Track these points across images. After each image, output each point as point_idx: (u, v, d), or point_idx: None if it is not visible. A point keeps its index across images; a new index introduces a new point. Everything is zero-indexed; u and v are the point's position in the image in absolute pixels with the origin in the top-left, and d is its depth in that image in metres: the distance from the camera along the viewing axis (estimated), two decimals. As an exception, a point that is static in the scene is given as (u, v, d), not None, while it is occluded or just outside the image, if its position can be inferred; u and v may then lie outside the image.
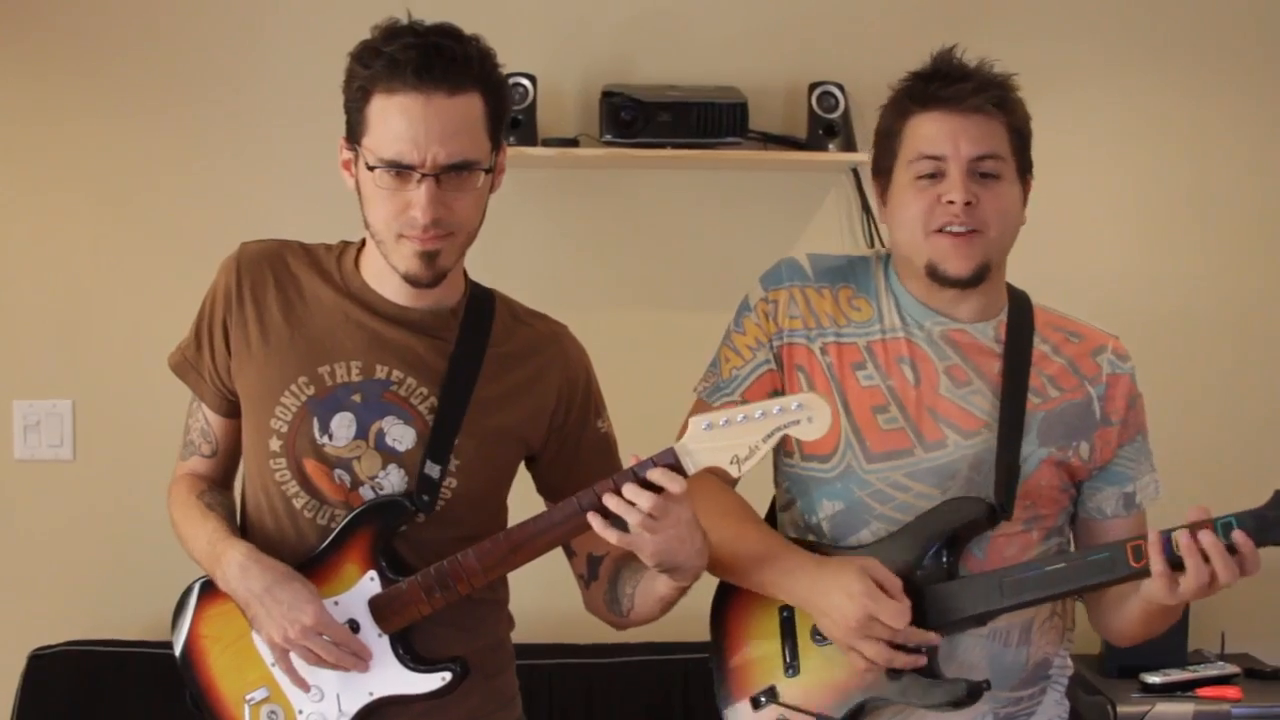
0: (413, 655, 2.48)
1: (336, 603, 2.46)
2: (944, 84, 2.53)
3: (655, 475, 2.27)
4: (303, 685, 2.47)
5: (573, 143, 4.25)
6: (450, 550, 2.45)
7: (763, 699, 2.62)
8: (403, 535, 2.49)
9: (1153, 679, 4.08)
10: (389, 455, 2.50)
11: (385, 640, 2.47)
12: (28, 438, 4.29)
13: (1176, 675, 4.10)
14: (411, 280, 2.44)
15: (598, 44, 4.34)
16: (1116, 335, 2.69)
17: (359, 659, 2.44)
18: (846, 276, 2.69)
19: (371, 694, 2.47)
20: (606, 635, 4.07)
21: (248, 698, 2.53)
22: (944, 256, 2.53)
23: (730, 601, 2.71)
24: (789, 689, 2.60)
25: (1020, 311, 2.65)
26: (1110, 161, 4.50)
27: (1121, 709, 3.99)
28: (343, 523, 2.48)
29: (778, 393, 2.66)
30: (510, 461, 2.62)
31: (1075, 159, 4.40)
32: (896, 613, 2.45)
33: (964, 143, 2.50)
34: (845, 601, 2.47)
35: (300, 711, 2.50)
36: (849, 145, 4.23)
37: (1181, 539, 2.30)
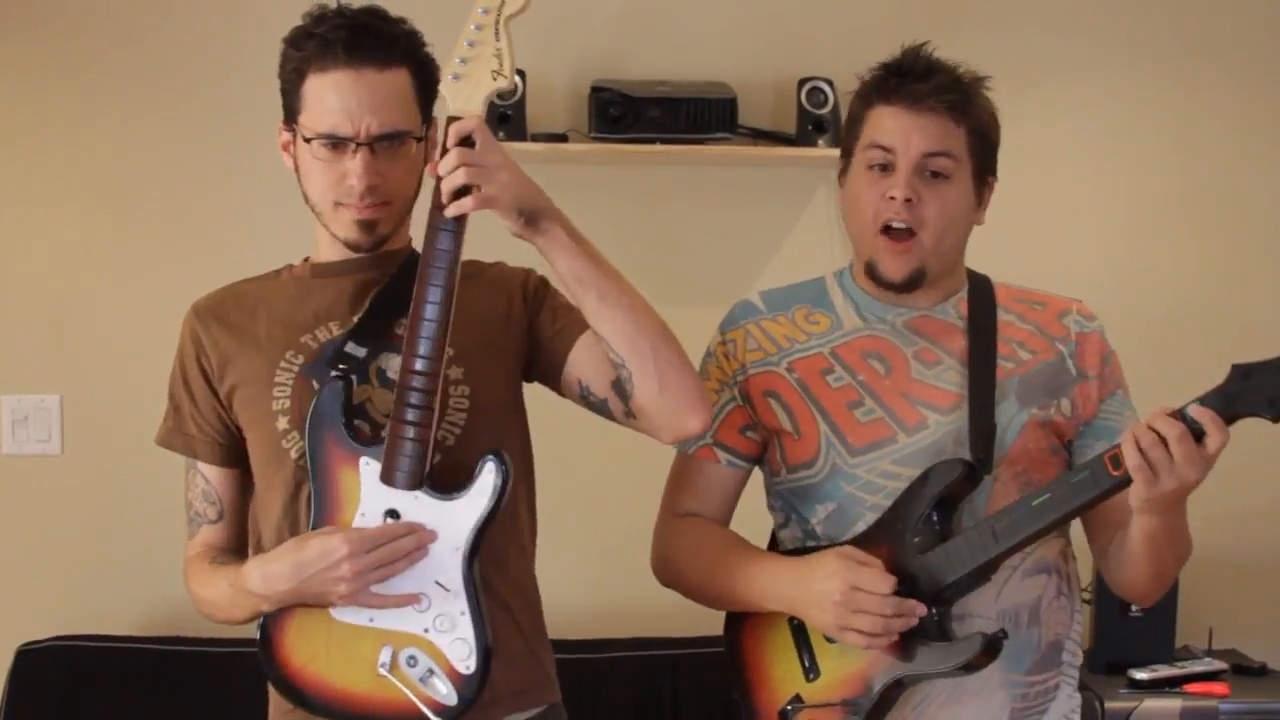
0: (452, 486, 2.41)
1: (364, 514, 2.42)
2: (906, 79, 2.56)
3: (453, 130, 2.34)
4: (409, 600, 2.40)
5: (562, 138, 4.25)
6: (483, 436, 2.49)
7: (789, 709, 2.61)
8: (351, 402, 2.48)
9: (1140, 675, 4.09)
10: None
11: (424, 498, 2.39)
12: (16, 432, 4.28)
13: (1164, 671, 4.11)
14: (353, 246, 2.55)
15: (587, 39, 4.34)
16: (1079, 299, 2.72)
17: (417, 535, 2.38)
18: (800, 298, 2.74)
19: (458, 549, 2.40)
20: (595, 630, 4.10)
21: (380, 666, 2.42)
22: (881, 257, 2.58)
23: (741, 630, 2.72)
24: (813, 692, 2.60)
25: (981, 288, 2.69)
26: (1098, 156, 4.51)
27: (1109, 705, 3.99)
28: (306, 446, 2.47)
29: (747, 428, 2.70)
30: (506, 347, 2.61)
31: (1062, 153, 4.41)
32: (878, 578, 2.45)
33: (915, 140, 2.54)
34: (827, 581, 2.47)
35: (425, 630, 2.41)
36: (838, 141, 4.21)
37: (1138, 431, 2.30)
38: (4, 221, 4.28)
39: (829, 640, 2.56)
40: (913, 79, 2.55)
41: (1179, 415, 2.29)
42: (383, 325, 2.53)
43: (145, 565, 4.13)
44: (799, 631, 2.62)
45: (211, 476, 2.63)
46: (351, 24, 2.47)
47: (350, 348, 2.51)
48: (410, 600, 2.41)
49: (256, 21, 4.27)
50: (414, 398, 2.39)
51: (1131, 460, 2.30)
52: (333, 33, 2.46)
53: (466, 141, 2.34)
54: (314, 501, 2.46)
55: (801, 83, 4.27)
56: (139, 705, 4.04)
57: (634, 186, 4.39)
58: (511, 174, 2.38)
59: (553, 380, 2.64)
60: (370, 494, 2.42)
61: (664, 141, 4.18)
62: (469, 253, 2.52)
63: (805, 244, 4.38)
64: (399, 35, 2.50)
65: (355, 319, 2.55)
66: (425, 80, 2.53)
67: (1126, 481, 2.33)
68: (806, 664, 2.61)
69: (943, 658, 2.48)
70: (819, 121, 4.24)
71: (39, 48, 4.26)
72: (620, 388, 2.50)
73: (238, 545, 2.65)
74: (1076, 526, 2.63)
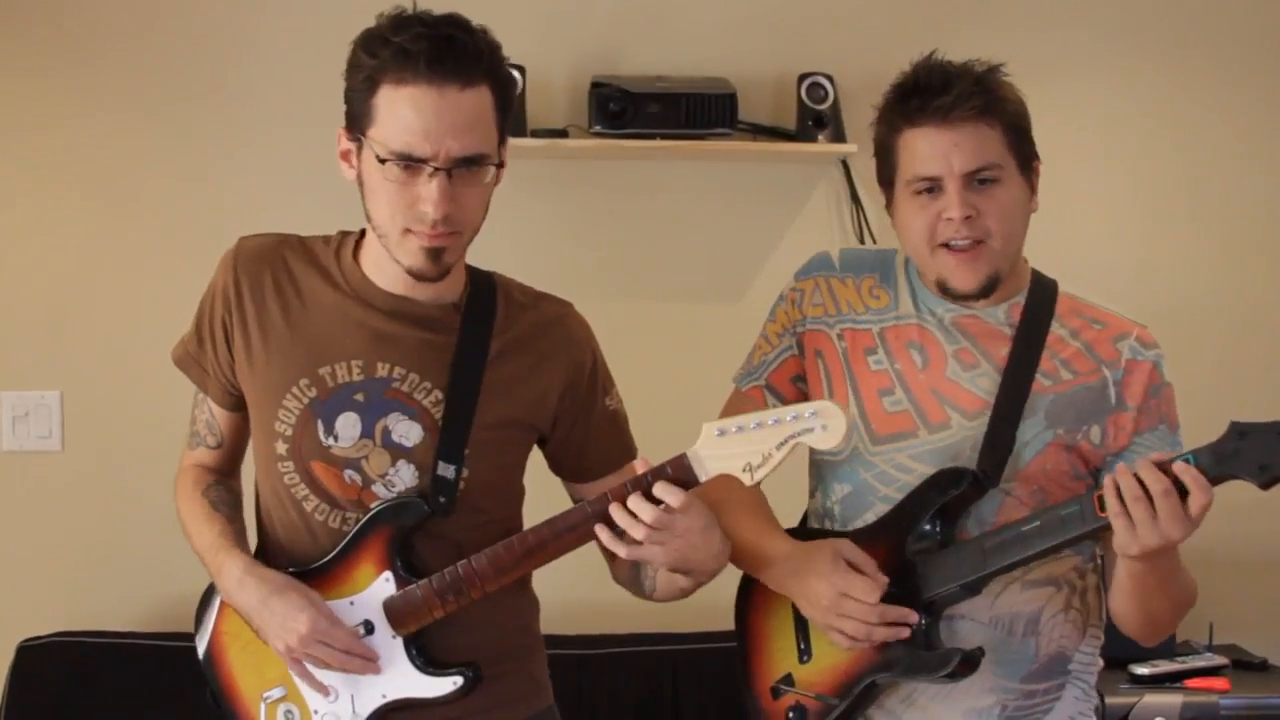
0: (426, 658, 2.46)
1: (352, 603, 2.46)
2: (926, 97, 2.50)
3: (659, 490, 2.26)
4: (320, 689, 2.46)
5: (562, 134, 4.24)
6: (468, 538, 2.45)
7: (781, 687, 2.65)
8: (420, 528, 2.48)
9: (1141, 670, 4.08)
10: (397, 451, 2.47)
11: (399, 642, 2.46)
12: (16, 428, 4.28)
13: (1164, 666, 4.11)
14: (416, 275, 2.40)
15: (587, 34, 4.34)
16: (1145, 325, 2.67)
17: (366, 662, 2.43)
18: (872, 267, 2.72)
19: (384, 696, 2.46)
20: (596, 626, 4.10)
21: (265, 696, 2.52)
22: (951, 273, 2.55)
23: (751, 598, 2.74)
24: (803, 674, 2.63)
25: (1041, 296, 2.65)
26: (1101, 151, 4.50)
27: (1110, 700, 3.99)
28: (360, 522, 2.47)
29: (798, 379, 2.71)
30: (521, 448, 2.60)
31: (1065, 149, 4.37)
32: (867, 588, 2.48)
33: (957, 159, 2.49)
34: (818, 582, 2.51)
35: (315, 711, 2.49)
36: (838, 136, 4.23)
37: (1121, 478, 2.29)
38: (4, 217, 4.27)
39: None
40: (934, 94, 2.49)
41: (1166, 468, 2.27)
42: (464, 433, 2.48)
43: (146, 561, 4.13)
44: (800, 615, 2.64)
45: (217, 414, 2.63)
46: (434, 34, 2.29)
47: (443, 469, 2.46)
48: (324, 690, 2.47)
49: (260, 16, 4.29)
50: (463, 599, 2.44)
51: (1112, 506, 2.30)
52: (414, 43, 2.28)
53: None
54: (329, 559, 2.49)
55: (801, 78, 4.27)
56: (140, 701, 4.04)
57: (634, 182, 4.39)
58: (687, 547, 2.31)
59: (557, 472, 2.69)
60: (368, 599, 2.47)
61: (664, 137, 4.18)
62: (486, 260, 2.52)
63: (805, 239, 4.37)
64: (484, 50, 2.34)
65: (433, 409, 2.48)
66: (505, 98, 2.40)
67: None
68: (802, 645, 2.64)
69: (920, 665, 2.51)
70: (819, 117, 4.24)
71: (40, 44, 4.25)
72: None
73: (231, 469, 2.70)
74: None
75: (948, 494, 2.52)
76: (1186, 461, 2.28)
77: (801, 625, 2.64)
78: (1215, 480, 2.27)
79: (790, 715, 2.64)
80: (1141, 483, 2.27)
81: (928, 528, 2.53)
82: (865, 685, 2.55)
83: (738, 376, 2.79)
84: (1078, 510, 2.40)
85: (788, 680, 2.65)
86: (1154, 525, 2.27)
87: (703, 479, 2.28)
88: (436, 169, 2.30)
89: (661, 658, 4.14)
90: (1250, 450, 2.26)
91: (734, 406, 2.76)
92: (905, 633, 2.50)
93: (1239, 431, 2.28)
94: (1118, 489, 2.29)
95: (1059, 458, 2.57)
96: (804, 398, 2.71)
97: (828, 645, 2.59)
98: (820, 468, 2.71)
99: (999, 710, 2.59)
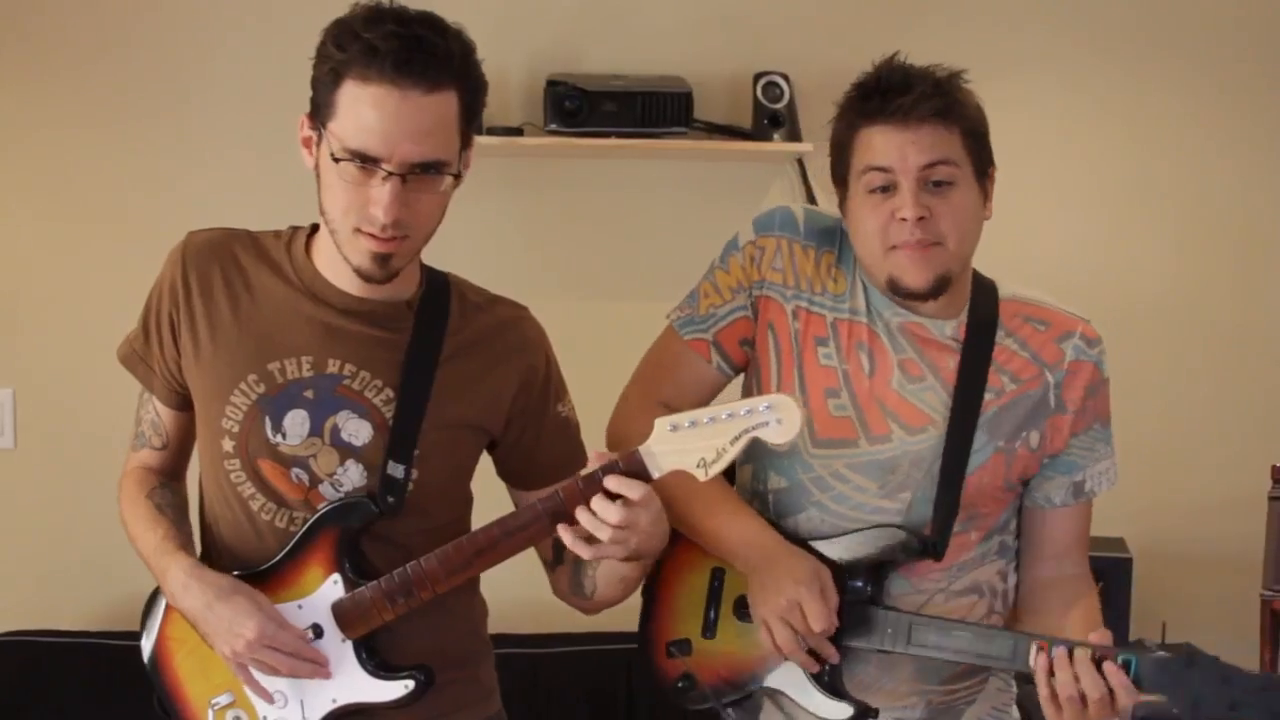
0: (376, 661, 2.44)
1: (300, 606, 2.43)
2: (887, 97, 2.47)
3: (613, 484, 2.23)
4: (264, 695, 2.44)
5: (517, 132, 4.24)
6: (416, 542, 2.42)
7: (674, 650, 2.64)
8: (368, 530, 2.45)
9: (1093, 669, 4.10)
10: (346, 451, 2.45)
11: (349, 645, 2.43)
12: (-33, 426, 4.27)
13: (1117, 665, 4.13)
14: (363, 276, 2.37)
15: (543, 32, 4.34)
16: (1088, 319, 2.65)
17: (316, 666, 2.40)
18: (832, 241, 2.65)
19: (335, 701, 2.43)
20: (547, 625, 4.09)
21: (213, 702, 2.49)
22: (903, 270, 2.50)
23: (674, 552, 2.65)
24: (701, 646, 2.63)
25: (983, 306, 2.62)
26: (1055, 147, 4.52)
27: (1062, 698, 4.01)
28: (307, 524, 2.44)
29: (746, 342, 2.67)
30: (471, 451, 2.58)
31: (1019, 144, 4.38)
32: (820, 614, 2.47)
33: (912, 153, 2.46)
34: (784, 579, 2.49)
35: (264, 718, 2.46)
36: (794, 135, 4.23)
37: (1059, 671, 2.34)
38: (-45, 215, 4.25)
39: (735, 615, 2.61)
40: (895, 94, 2.47)
41: (1102, 667, 2.32)
42: (414, 432, 2.46)
43: (98, 560, 4.10)
44: (715, 590, 2.64)
45: (163, 413, 2.60)
46: (405, 34, 2.24)
47: (392, 468, 2.44)
48: (268, 697, 2.45)
49: (211, 20, 4.27)
50: (413, 601, 2.40)
51: (1042, 692, 2.36)
52: (383, 41, 2.22)
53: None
54: (276, 561, 2.46)
55: (757, 77, 4.28)
56: (91, 700, 4.02)
57: (589, 180, 4.39)
58: (643, 538, 2.29)
59: (504, 478, 2.66)
60: (317, 601, 2.44)
61: (619, 135, 4.18)
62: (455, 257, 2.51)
63: (761, 238, 4.38)
64: (453, 53, 2.29)
65: (383, 408, 2.45)
66: (472, 102, 2.36)
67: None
68: (709, 618, 2.64)
69: (816, 705, 2.54)
70: (774, 116, 4.24)
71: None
72: (559, 550, 2.52)
73: (176, 472, 2.66)
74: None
75: (894, 554, 2.54)
76: (1127, 664, 2.32)
77: (714, 602, 2.64)
78: (1146, 692, 2.32)
79: (680, 684, 2.64)
80: (1077, 680, 2.32)
81: (861, 582, 2.54)
82: (747, 692, 2.60)
83: (679, 320, 2.71)
84: (1011, 647, 2.45)
85: (684, 646, 2.63)
86: (1083, 717, 2.34)
87: (656, 475, 2.25)
88: (390, 173, 2.26)
89: (614, 656, 4.12)
90: (1191, 682, 2.29)
91: (671, 351, 2.72)
92: (816, 666, 2.52)
93: (1189, 659, 2.31)
94: (1050, 677, 2.35)
95: (996, 470, 2.58)
96: (748, 365, 2.69)
97: (732, 635, 2.61)
98: (759, 449, 2.63)
99: (923, 706, 2.62)
